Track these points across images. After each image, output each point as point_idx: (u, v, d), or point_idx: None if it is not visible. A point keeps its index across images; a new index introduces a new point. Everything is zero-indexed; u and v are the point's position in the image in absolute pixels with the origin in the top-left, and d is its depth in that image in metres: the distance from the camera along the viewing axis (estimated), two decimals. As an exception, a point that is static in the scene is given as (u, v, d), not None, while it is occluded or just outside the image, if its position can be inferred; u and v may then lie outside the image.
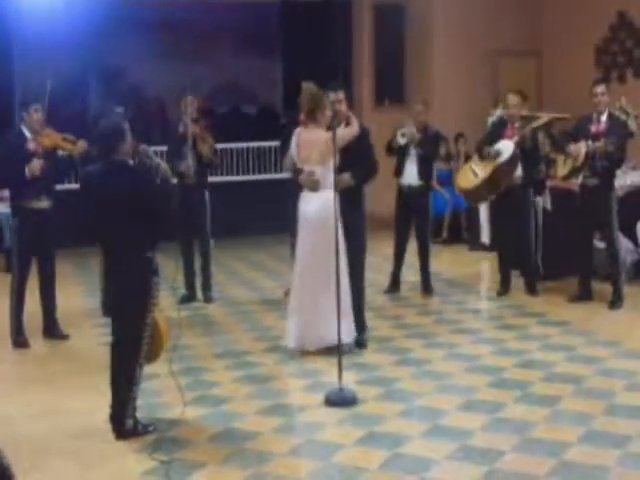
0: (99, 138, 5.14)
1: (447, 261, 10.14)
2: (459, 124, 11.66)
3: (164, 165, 5.12)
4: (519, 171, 8.07)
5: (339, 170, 6.23)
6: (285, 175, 8.17)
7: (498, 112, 9.79)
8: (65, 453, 4.83)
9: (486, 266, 9.90)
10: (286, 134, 8.30)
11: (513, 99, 8.16)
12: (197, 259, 8.31)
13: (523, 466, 4.51)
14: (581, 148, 7.56)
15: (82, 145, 6.91)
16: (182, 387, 5.25)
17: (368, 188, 6.85)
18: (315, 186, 6.34)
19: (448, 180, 11.19)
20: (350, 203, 6.43)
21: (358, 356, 6.44)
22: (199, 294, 8.32)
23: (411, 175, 8.33)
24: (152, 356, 5.11)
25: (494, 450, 4.70)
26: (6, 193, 7.59)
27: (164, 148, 8.68)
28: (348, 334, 6.36)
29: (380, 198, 9.44)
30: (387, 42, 12.71)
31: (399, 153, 8.37)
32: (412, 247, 8.57)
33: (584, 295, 7.92)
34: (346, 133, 6.40)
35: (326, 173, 6.23)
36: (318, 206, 6.27)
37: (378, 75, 12.84)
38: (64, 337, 7.09)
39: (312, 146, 6.34)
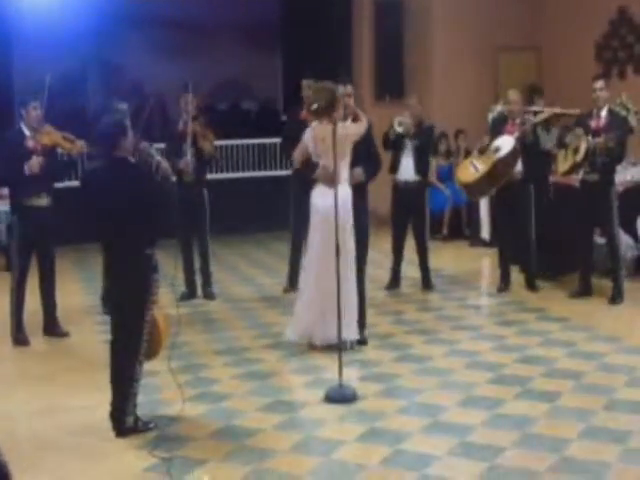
0: (100, 134, 5.13)
1: (447, 257, 10.12)
2: (459, 120, 11.65)
3: (165, 163, 5.12)
4: (519, 166, 8.07)
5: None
6: (286, 172, 8.15)
7: (498, 108, 9.76)
8: (65, 450, 4.83)
9: (486, 262, 9.89)
10: (287, 130, 8.31)
11: (514, 95, 8.16)
12: (196, 257, 8.30)
13: (524, 462, 4.51)
14: (580, 136, 7.55)
15: (81, 146, 6.91)
16: (181, 384, 5.25)
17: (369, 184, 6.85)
18: (331, 180, 6.32)
19: (448, 176, 11.19)
20: (356, 199, 6.42)
21: (359, 352, 6.44)
22: (199, 291, 8.32)
23: (407, 170, 8.29)
24: (151, 353, 5.12)
25: (494, 446, 4.70)
26: (5, 191, 7.59)
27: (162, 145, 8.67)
28: (355, 332, 6.39)
29: (378, 194, 9.40)
30: (387, 37, 12.69)
31: (395, 147, 8.30)
32: (411, 244, 8.56)
33: (584, 291, 7.92)
34: (361, 128, 6.40)
35: (342, 168, 6.23)
36: (337, 200, 6.20)
37: (378, 71, 12.83)
38: (64, 334, 7.09)
39: (328, 141, 6.30)
